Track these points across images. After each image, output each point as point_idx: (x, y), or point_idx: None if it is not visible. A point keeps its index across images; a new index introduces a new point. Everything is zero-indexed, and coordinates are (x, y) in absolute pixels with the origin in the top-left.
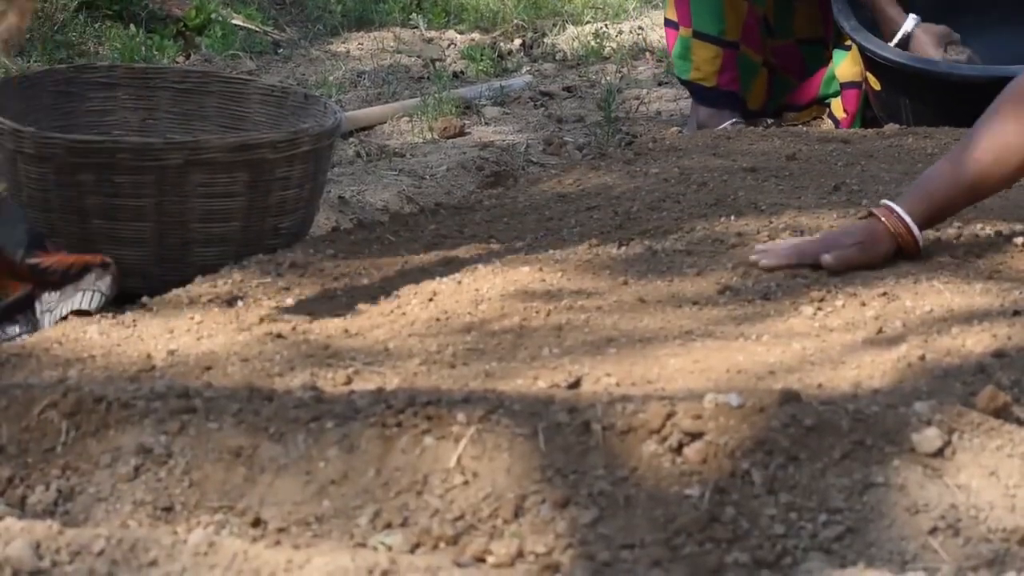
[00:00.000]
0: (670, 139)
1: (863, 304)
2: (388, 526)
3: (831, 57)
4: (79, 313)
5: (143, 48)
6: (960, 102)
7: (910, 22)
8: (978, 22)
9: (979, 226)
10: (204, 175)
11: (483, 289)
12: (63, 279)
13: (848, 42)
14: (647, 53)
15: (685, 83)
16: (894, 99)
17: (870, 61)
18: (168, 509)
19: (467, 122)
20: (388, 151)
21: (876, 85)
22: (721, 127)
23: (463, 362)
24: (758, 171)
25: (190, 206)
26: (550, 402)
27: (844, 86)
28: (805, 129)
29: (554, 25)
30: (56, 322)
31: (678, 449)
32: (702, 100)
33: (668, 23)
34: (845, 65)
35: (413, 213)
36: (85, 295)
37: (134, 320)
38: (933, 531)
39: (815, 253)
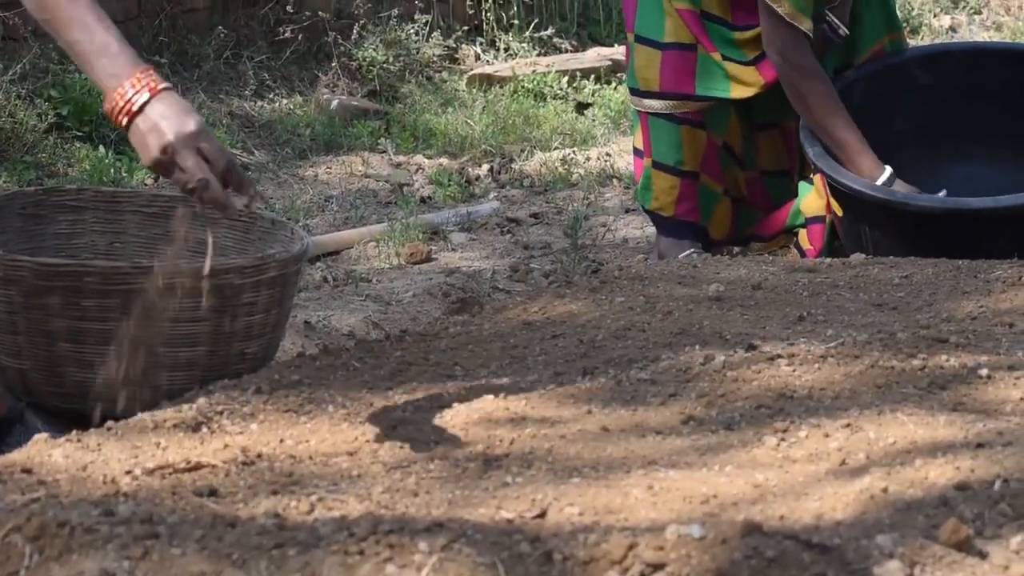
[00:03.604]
0: (636, 267)
1: (826, 435)
2: None
3: (796, 189)
4: None
5: (112, 170)
6: (918, 232)
7: (886, 174)
8: (957, 152)
9: (944, 357)
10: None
11: (447, 417)
12: None
13: (811, 174)
14: (614, 180)
15: (647, 212)
16: (855, 227)
17: (833, 188)
18: None
19: (434, 248)
20: (355, 276)
21: (839, 212)
22: (680, 256)
23: (426, 490)
24: (724, 300)
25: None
26: (512, 532)
27: (809, 220)
28: (771, 258)
29: (522, 151)
30: None
31: None
32: (662, 230)
33: (636, 151)
34: (810, 199)
35: (379, 339)
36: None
37: (99, 444)
38: None
39: None
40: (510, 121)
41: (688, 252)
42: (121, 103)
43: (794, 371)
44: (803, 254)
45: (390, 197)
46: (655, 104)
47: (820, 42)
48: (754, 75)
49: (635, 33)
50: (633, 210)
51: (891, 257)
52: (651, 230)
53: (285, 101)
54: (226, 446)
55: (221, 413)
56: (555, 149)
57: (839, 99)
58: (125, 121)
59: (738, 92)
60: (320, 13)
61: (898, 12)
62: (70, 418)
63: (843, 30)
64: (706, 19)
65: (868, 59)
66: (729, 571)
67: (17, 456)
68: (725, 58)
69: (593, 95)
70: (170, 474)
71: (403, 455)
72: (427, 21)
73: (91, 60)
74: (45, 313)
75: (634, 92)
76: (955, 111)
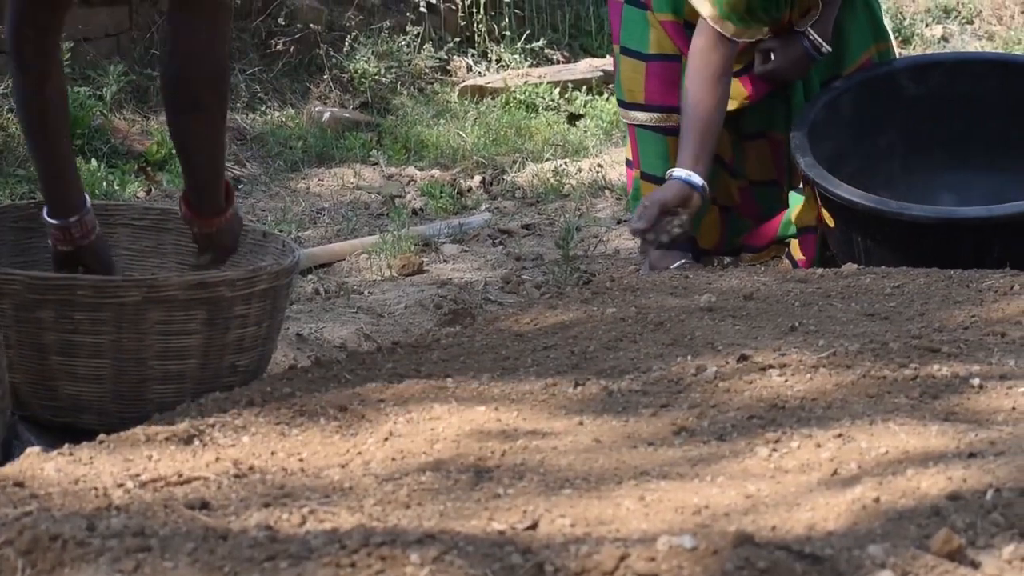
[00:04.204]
0: (627, 278)
1: (818, 445)
2: None
3: (787, 199)
4: None
5: (104, 183)
6: (910, 241)
7: (677, 172)
8: (948, 161)
9: (935, 367)
10: (162, 313)
11: (439, 429)
12: None
13: (801, 185)
14: (606, 191)
15: None
16: (847, 236)
17: (824, 198)
18: None
19: (426, 260)
20: (347, 288)
21: (830, 222)
22: (671, 268)
23: (418, 502)
24: (715, 311)
25: (148, 343)
26: (504, 543)
27: (800, 231)
28: (763, 268)
29: (514, 162)
30: None
31: None
32: None
33: (628, 163)
34: (801, 210)
35: (370, 351)
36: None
37: (91, 457)
38: None
39: None
40: (502, 132)
41: (679, 263)
42: (230, 211)
43: (786, 381)
44: (795, 264)
45: (382, 209)
46: (640, 116)
47: (803, 60)
48: (737, 87)
49: (621, 45)
50: (625, 221)
51: (883, 267)
52: None
53: (277, 113)
54: (218, 459)
55: (213, 426)
56: (547, 160)
57: (710, 86)
58: (224, 224)
59: None
60: (312, 25)
61: (888, 22)
62: (62, 431)
63: (825, 48)
64: (689, 30)
65: (856, 70)
66: None
67: (9, 470)
68: None
69: (585, 106)
70: (162, 487)
71: (395, 467)
72: (419, 33)
73: (217, 182)
74: (37, 326)
75: (621, 104)
76: (946, 121)
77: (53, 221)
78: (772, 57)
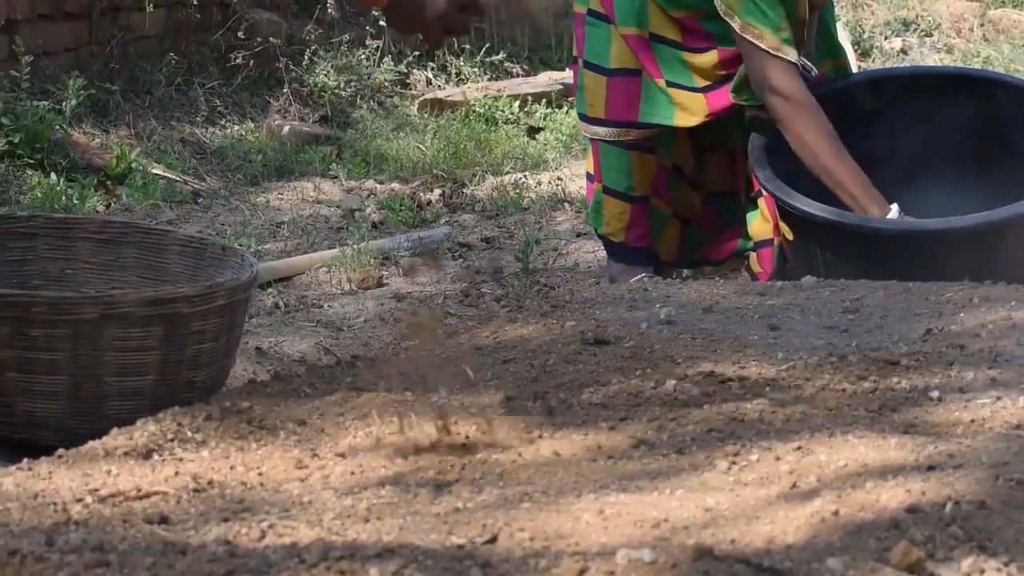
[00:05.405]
0: (587, 291)
1: (777, 458)
2: None
3: (743, 211)
4: None
5: (64, 197)
6: (870, 254)
7: (893, 211)
8: (906, 174)
9: (895, 380)
10: (119, 329)
11: (398, 443)
12: None
13: (755, 196)
14: (566, 204)
15: (598, 236)
16: (806, 249)
17: (783, 211)
18: None
19: (385, 273)
20: (306, 302)
21: (789, 235)
22: (631, 281)
23: (377, 516)
24: (674, 324)
25: (104, 360)
26: (463, 557)
27: (758, 244)
28: (722, 282)
29: (473, 176)
30: None
31: None
32: (613, 255)
33: (588, 175)
34: (757, 223)
35: (330, 365)
36: None
37: (50, 472)
38: None
39: None
40: (461, 146)
41: (639, 276)
42: None
43: (745, 394)
44: (754, 277)
45: (342, 223)
46: (601, 131)
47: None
48: (700, 104)
49: (584, 59)
50: (584, 234)
51: (842, 279)
52: (602, 254)
53: (237, 127)
54: (177, 473)
55: (172, 440)
56: (506, 173)
57: (837, 136)
58: None
59: (682, 120)
60: (271, 39)
61: (847, 34)
62: (18, 447)
63: (815, 72)
64: (657, 42)
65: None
66: None
67: None
68: (671, 84)
69: (544, 119)
70: (121, 502)
71: (354, 481)
72: (378, 47)
73: None
74: None
75: (583, 118)
76: (904, 134)
77: None
78: None
